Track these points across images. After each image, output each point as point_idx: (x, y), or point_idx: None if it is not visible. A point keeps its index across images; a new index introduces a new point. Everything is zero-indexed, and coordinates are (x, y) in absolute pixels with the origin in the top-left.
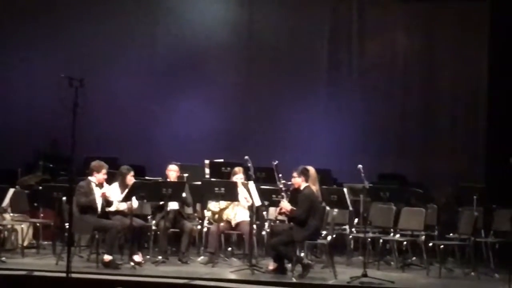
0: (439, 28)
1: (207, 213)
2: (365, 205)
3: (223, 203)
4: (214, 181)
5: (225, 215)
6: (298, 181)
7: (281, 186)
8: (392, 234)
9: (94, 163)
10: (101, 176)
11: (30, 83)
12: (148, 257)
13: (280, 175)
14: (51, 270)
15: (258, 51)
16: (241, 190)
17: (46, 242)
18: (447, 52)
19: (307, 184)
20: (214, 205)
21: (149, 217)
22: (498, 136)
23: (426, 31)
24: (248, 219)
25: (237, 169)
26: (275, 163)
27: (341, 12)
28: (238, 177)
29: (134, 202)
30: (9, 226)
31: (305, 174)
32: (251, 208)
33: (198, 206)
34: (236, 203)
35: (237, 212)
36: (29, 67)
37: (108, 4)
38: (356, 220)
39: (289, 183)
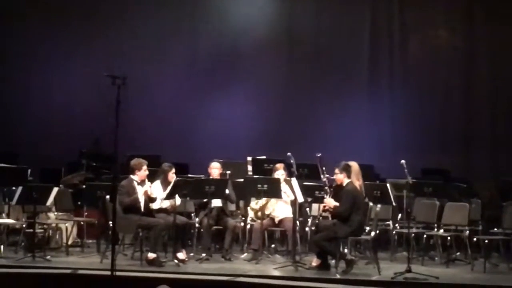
0: (481, 23)
1: (250, 211)
2: (409, 201)
3: (263, 200)
4: (257, 178)
5: (267, 210)
6: (340, 177)
7: (324, 179)
8: (436, 229)
9: (134, 162)
10: (143, 172)
11: (72, 82)
12: (191, 254)
13: (324, 168)
14: (96, 268)
15: (298, 48)
16: (282, 186)
17: (90, 241)
18: (489, 47)
19: (349, 180)
20: (254, 204)
21: (192, 214)
22: None
23: (468, 27)
24: (291, 215)
25: (278, 165)
26: (318, 155)
27: (382, 8)
28: (279, 173)
29: (177, 200)
30: (53, 225)
31: (347, 170)
32: (294, 204)
33: (241, 203)
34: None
35: (279, 206)
36: (71, 66)
37: (149, 3)
38: (399, 216)
39: (333, 177)
